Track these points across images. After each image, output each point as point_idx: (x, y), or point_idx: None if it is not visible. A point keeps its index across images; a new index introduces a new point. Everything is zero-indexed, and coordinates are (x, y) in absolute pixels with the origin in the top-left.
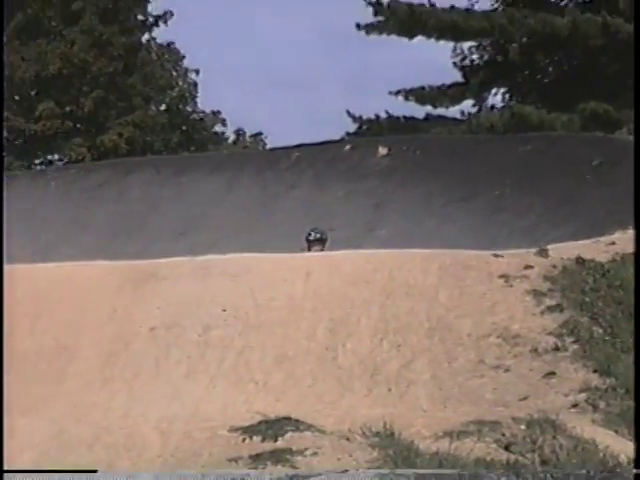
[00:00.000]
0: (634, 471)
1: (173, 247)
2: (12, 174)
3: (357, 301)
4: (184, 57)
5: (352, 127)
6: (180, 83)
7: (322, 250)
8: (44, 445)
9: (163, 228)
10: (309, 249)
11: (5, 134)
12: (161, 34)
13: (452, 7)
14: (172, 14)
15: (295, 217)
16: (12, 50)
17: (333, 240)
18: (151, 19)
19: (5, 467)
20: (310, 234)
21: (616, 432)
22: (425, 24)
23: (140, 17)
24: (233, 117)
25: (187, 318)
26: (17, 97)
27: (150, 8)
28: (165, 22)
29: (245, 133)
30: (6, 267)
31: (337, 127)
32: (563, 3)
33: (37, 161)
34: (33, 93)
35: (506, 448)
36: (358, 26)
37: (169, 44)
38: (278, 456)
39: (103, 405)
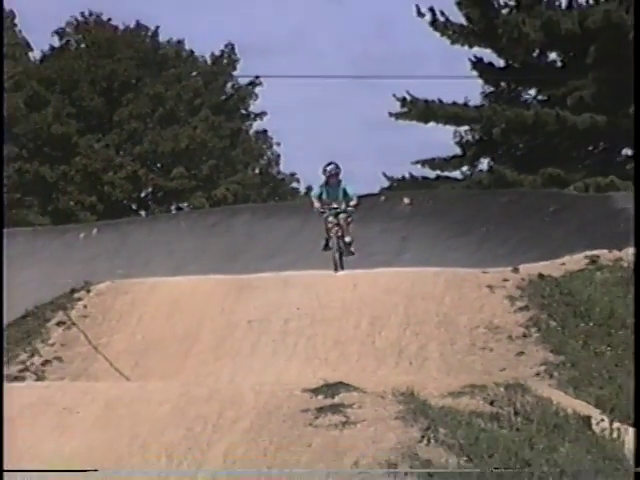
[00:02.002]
0: (635, 470)
1: (264, 266)
2: (155, 217)
3: (388, 304)
4: (272, 138)
5: (385, 184)
6: (269, 154)
7: (339, 179)
8: (175, 400)
9: (257, 253)
10: (327, 182)
11: (149, 190)
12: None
13: (454, 102)
14: (265, 113)
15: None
16: (155, 133)
17: (373, 261)
18: (252, 115)
19: (6, 467)
20: (326, 169)
21: (565, 393)
22: (436, 114)
23: (243, 111)
24: (305, 177)
25: (273, 314)
26: (159, 165)
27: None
28: (261, 118)
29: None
30: (151, 279)
31: (375, 185)
32: (529, 101)
33: (172, 207)
34: (169, 161)
35: (490, 403)
36: (390, 114)
37: (264, 131)
38: (335, 408)
39: (215, 374)
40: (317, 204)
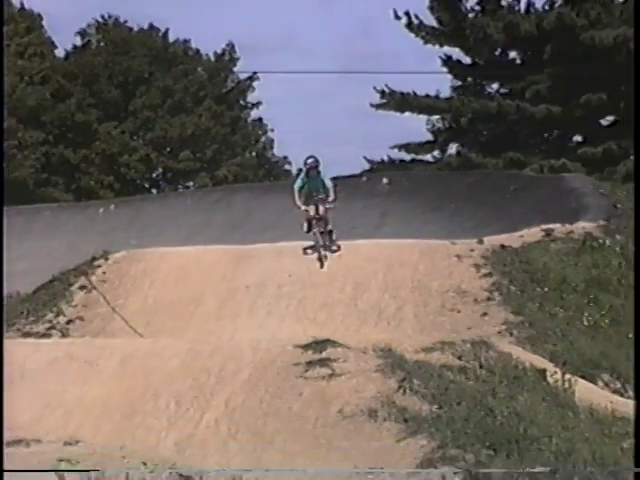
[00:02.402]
0: (634, 470)
1: (260, 238)
2: (165, 194)
3: (369, 270)
4: (267, 125)
5: (367, 166)
6: (264, 139)
7: (318, 170)
8: (183, 355)
9: (254, 227)
10: (307, 174)
11: (159, 171)
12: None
13: (427, 95)
14: (261, 103)
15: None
16: (165, 121)
17: (356, 233)
18: (250, 105)
19: (6, 467)
20: (306, 162)
21: (523, 349)
22: (411, 105)
23: (242, 102)
24: (295, 160)
25: (268, 280)
26: (168, 149)
27: (249, 98)
28: (257, 108)
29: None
30: (162, 249)
31: (357, 167)
32: (493, 94)
33: (180, 186)
34: (177, 146)
35: (459, 358)
36: (371, 105)
37: (260, 119)
38: (322, 362)
39: (217, 333)
40: (298, 200)
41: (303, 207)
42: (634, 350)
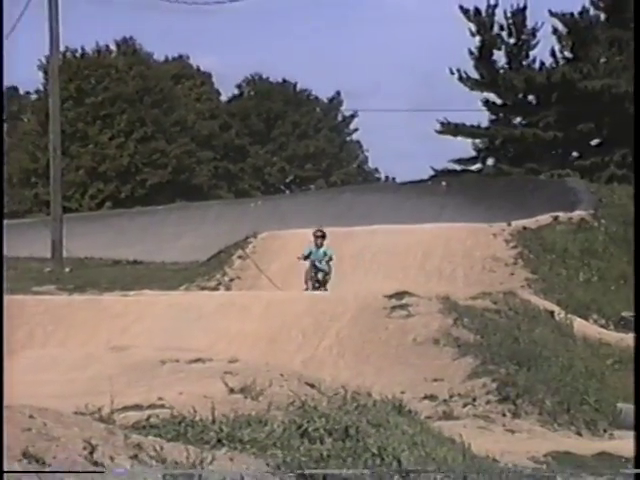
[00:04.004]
0: (635, 471)
1: (359, 223)
2: (295, 194)
3: (433, 244)
4: (364, 146)
5: (432, 173)
6: (361, 156)
7: (323, 239)
8: (307, 302)
9: (354, 216)
10: (315, 243)
11: (291, 177)
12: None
13: (472, 125)
14: (358, 129)
15: (407, 213)
16: (294, 144)
17: (423, 219)
18: (352, 131)
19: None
20: (315, 234)
21: (538, 297)
22: (461, 131)
23: (346, 130)
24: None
25: (364, 251)
26: (297, 162)
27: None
28: (355, 133)
29: (388, 176)
30: (292, 231)
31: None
32: (516, 124)
33: (304, 188)
34: (303, 161)
35: (494, 303)
36: (435, 131)
37: (358, 141)
38: (402, 307)
39: (330, 287)
40: (302, 259)
41: (302, 261)
42: (634, 345)
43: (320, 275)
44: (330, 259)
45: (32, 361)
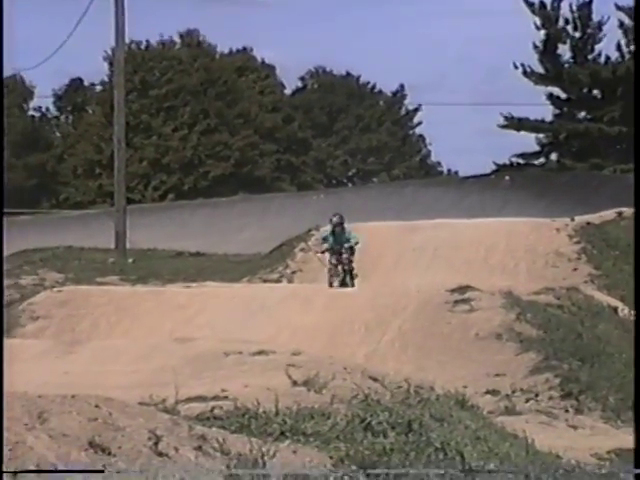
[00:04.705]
0: (634, 471)
1: (421, 217)
2: (357, 187)
3: (495, 239)
4: (427, 140)
5: (494, 168)
6: (424, 150)
7: (343, 227)
8: (369, 295)
9: (417, 209)
10: (333, 231)
11: (353, 171)
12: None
13: (536, 119)
14: (421, 123)
15: (470, 208)
16: (357, 137)
17: (486, 214)
18: (415, 125)
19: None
20: (332, 219)
21: (602, 293)
22: (525, 126)
23: (409, 123)
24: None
25: (427, 245)
26: (359, 156)
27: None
28: (419, 126)
29: (450, 170)
30: (356, 224)
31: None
32: (581, 118)
33: (366, 182)
34: (366, 154)
35: (557, 299)
36: (498, 126)
37: (421, 135)
38: (464, 301)
39: (393, 280)
40: (318, 248)
41: (319, 255)
42: (634, 351)
43: (345, 259)
44: (356, 243)
45: (97, 351)
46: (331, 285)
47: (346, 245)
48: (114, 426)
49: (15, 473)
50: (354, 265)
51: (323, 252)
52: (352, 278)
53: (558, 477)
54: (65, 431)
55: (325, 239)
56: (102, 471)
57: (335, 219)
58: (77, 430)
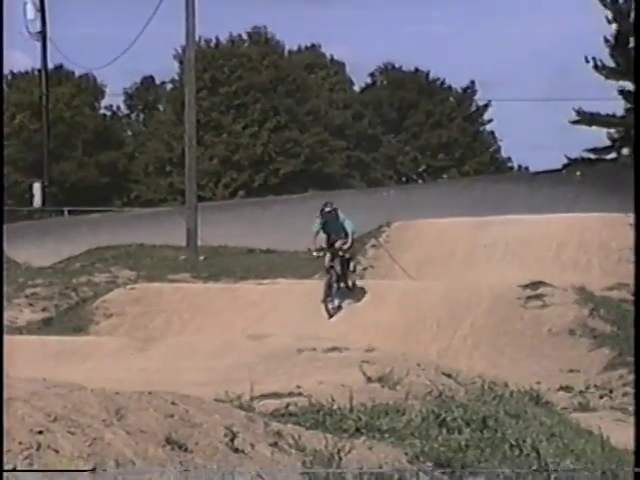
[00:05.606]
0: (635, 470)
1: (492, 213)
2: (427, 184)
3: (568, 235)
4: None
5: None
6: (494, 146)
7: (337, 215)
8: (441, 292)
9: (488, 205)
10: (324, 219)
11: (423, 167)
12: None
13: (607, 114)
14: (492, 120)
15: (541, 203)
16: (427, 134)
17: (558, 210)
18: (485, 121)
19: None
20: (322, 209)
21: None
22: (597, 121)
23: (479, 120)
24: (517, 160)
25: (498, 241)
26: (428, 152)
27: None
28: (489, 123)
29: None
30: (426, 220)
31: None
32: None
33: (436, 178)
34: (436, 150)
35: (632, 295)
36: (569, 121)
37: (492, 132)
38: (537, 297)
39: (464, 277)
40: (312, 245)
41: (315, 253)
42: (634, 352)
43: (337, 263)
44: (353, 232)
45: (171, 348)
46: (325, 299)
47: (344, 247)
48: (191, 423)
49: (14, 472)
50: (353, 264)
51: (319, 251)
52: (349, 290)
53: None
54: (142, 427)
55: (317, 232)
56: (104, 470)
57: (326, 208)
58: (154, 427)
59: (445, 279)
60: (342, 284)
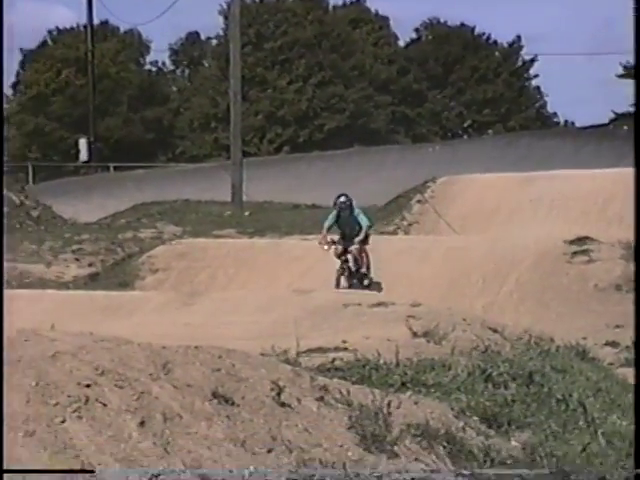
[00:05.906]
0: (635, 471)
1: (537, 168)
2: (471, 139)
3: (614, 190)
4: (543, 91)
5: (612, 117)
6: (540, 101)
7: (352, 208)
8: (487, 248)
9: (532, 161)
10: (339, 213)
11: (468, 122)
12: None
13: None
14: (538, 75)
15: (587, 158)
16: (473, 89)
17: (604, 165)
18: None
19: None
20: (337, 202)
21: None
22: None
23: (526, 75)
24: (563, 115)
25: (544, 196)
26: (474, 107)
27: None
28: (536, 78)
29: (567, 121)
30: (470, 175)
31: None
32: None
33: (480, 134)
34: (481, 105)
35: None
36: (616, 75)
37: (538, 87)
38: (583, 252)
39: (509, 232)
40: (323, 239)
41: (325, 247)
42: (634, 350)
43: (354, 250)
44: (369, 227)
45: (216, 303)
46: (338, 285)
47: (356, 239)
48: (237, 377)
49: (14, 472)
50: (370, 260)
51: (329, 245)
52: (364, 277)
53: None
54: (189, 381)
55: (329, 227)
56: (92, 471)
57: (341, 200)
58: (201, 381)
59: (490, 234)
60: (355, 280)
